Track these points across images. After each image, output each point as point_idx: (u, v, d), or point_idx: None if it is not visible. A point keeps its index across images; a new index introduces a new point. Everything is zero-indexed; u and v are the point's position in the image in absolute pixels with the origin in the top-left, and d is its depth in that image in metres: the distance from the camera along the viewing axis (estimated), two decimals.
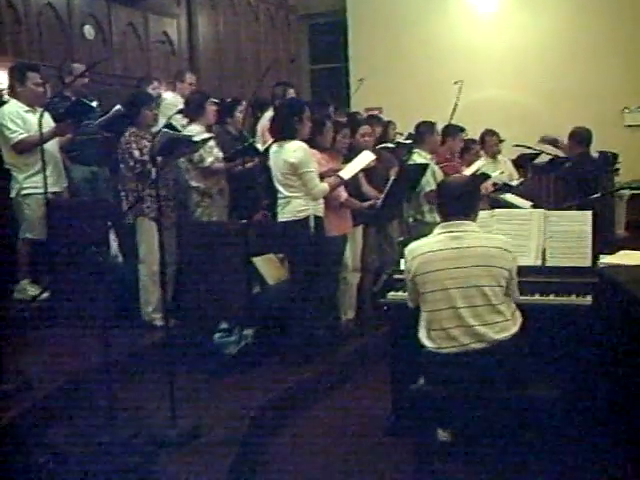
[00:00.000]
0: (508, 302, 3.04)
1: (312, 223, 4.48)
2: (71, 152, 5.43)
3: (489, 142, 6.97)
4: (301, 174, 4.44)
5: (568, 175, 5.96)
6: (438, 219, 5.58)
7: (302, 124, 4.55)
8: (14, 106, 4.89)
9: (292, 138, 4.49)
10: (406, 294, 3.32)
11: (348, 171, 4.71)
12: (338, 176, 4.66)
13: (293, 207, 4.49)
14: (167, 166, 4.78)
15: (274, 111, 4.97)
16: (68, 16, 6.85)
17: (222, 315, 4.57)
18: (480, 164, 6.08)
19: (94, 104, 5.02)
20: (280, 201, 4.58)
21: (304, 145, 4.49)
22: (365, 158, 4.79)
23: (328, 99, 6.72)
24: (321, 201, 4.59)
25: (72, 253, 4.57)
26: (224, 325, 4.51)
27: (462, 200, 3.12)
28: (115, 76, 7.19)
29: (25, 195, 4.88)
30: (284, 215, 4.54)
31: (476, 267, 2.97)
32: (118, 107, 5.09)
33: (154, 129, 4.94)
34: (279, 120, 4.61)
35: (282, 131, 4.56)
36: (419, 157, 5.76)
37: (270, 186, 5.27)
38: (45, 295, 4.75)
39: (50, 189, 4.88)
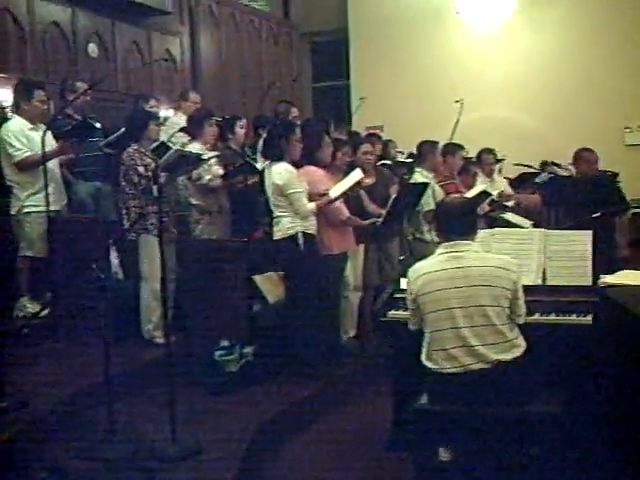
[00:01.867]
0: (511, 324, 3.04)
1: (300, 240, 4.51)
2: (75, 168, 5.46)
3: (486, 160, 6.96)
4: (288, 195, 4.51)
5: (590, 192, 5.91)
6: (437, 238, 5.65)
7: (290, 145, 4.61)
8: (18, 123, 4.90)
9: (280, 159, 4.55)
10: (407, 313, 3.33)
11: (337, 190, 4.73)
12: (327, 195, 4.69)
13: (282, 225, 4.58)
14: (170, 182, 4.83)
15: (266, 132, 5.00)
16: (73, 34, 6.91)
17: (223, 332, 4.57)
18: (482, 188, 6.08)
19: (98, 125, 5.04)
20: (273, 220, 4.66)
21: (289, 167, 4.56)
22: (353, 177, 4.80)
23: (328, 116, 6.75)
24: (312, 219, 4.63)
25: (73, 270, 4.59)
26: (225, 342, 4.50)
27: (461, 220, 3.14)
28: (118, 93, 7.23)
29: (26, 213, 4.88)
30: (276, 234, 4.63)
31: (478, 287, 2.98)
32: (124, 130, 5.13)
33: (152, 146, 4.97)
34: (268, 141, 4.69)
35: (270, 152, 4.63)
36: (420, 176, 5.78)
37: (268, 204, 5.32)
38: (44, 313, 4.76)
39: (51, 207, 4.88)
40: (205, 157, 4.79)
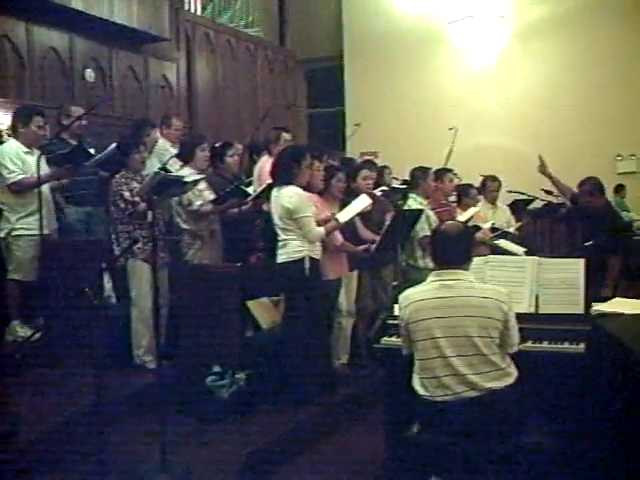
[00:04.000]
0: (502, 354, 3.04)
1: (307, 264, 4.51)
2: (66, 193, 5.47)
3: (490, 187, 6.97)
4: (297, 219, 4.50)
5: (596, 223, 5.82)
6: (430, 264, 5.65)
7: (300, 170, 4.62)
8: (14, 146, 4.91)
9: (289, 183, 4.56)
10: (400, 340, 3.32)
11: (345, 214, 4.78)
12: (335, 219, 4.72)
13: (289, 248, 4.55)
14: (158, 207, 4.83)
15: (276, 155, 5.01)
16: (70, 60, 6.97)
17: (215, 358, 4.55)
18: (475, 210, 6.10)
19: (92, 151, 5.06)
20: (278, 244, 4.64)
21: (299, 191, 4.56)
22: (362, 202, 4.85)
23: (321, 143, 6.78)
24: (318, 243, 4.64)
25: (66, 294, 4.56)
26: (217, 368, 4.48)
27: (455, 248, 3.13)
28: (114, 118, 7.27)
29: (16, 236, 4.85)
30: (281, 257, 4.61)
31: (466, 317, 2.98)
32: (114, 146, 5.14)
33: (144, 172, 4.99)
34: (278, 165, 4.69)
35: (280, 176, 4.63)
36: (414, 202, 5.82)
37: (265, 229, 5.31)
38: (37, 336, 4.72)
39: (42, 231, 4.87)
40: (188, 180, 4.79)
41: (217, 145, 5.79)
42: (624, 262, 5.66)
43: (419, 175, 5.96)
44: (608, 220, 5.84)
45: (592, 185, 5.87)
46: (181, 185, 4.65)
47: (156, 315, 3.78)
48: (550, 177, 6.35)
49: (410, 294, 3.14)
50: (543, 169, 6.34)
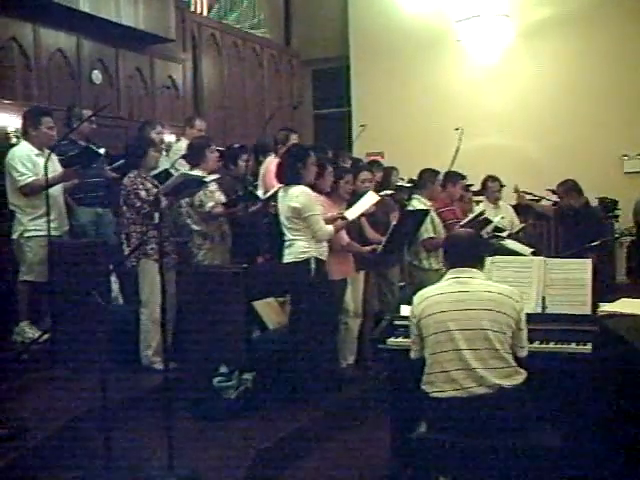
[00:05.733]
0: (513, 355, 3.04)
1: (313, 265, 4.51)
2: (77, 195, 5.49)
3: (491, 188, 7.00)
4: (305, 218, 4.51)
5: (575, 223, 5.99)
6: (435, 265, 5.71)
7: (306, 170, 4.64)
8: (25, 149, 4.94)
9: (296, 183, 4.57)
10: (406, 340, 3.33)
11: (353, 212, 4.81)
12: (343, 217, 4.73)
13: (296, 249, 4.56)
14: (171, 207, 4.85)
15: (281, 157, 5.02)
16: (77, 61, 6.99)
17: (221, 359, 4.56)
18: (479, 209, 6.10)
19: (102, 151, 5.08)
20: (285, 244, 4.66)
21: (307, 189, 4.57)
22: (370, 199, 4.87)
23: (328, 144, 6.81)
24: (324, 244, 4.65)
25: (73, 295, 4.58)
26: (223, 369, 4.49)
27: (467, 253, 3.19)
28: (121, 119, 7.30)
29: (28, 237, 4.88)
30: (287, 257, 4.62)
31: (481, 311, 3.00)
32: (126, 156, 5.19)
33: (153, 172, 5.01)
34: (284, 165, 4.70)
35: (286, 176, 4.64)
36: (418, 203, 5.81)
37: (272, 230, 5.32)
38: (45, 337, 4.75)
39: (53, 232, 4.88)
40: (207, 180, 4.82)
41: (232, 147, 5.80)
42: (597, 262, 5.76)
43: (428, 177, 5.96)
44: (585, 220, 6.02)
45: (569, 186, 6.30)
46: (200, 185, 4.68)
47: (164, 316, 3.79)
48: (528, 204, 6.73)
49: (425, 291, 3.18)
50: (521, 199, 6.87)
